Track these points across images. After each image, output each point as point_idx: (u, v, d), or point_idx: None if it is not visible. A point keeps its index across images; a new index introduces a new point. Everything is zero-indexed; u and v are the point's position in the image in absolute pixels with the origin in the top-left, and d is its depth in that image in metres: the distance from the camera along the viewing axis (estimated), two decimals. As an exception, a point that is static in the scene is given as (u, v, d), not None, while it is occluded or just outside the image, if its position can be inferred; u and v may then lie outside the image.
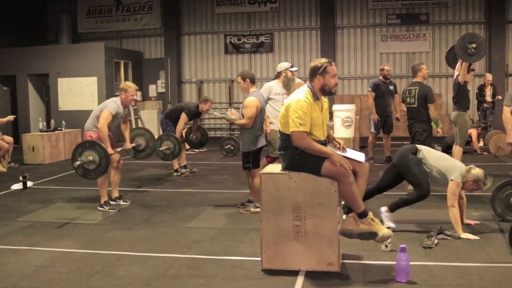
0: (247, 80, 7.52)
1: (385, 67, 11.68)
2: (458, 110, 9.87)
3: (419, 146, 6.57)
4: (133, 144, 8.79)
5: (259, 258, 5.14)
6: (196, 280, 4.91)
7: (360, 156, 5.09)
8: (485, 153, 12.99)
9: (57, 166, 12.53)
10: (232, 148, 13.51)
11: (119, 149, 8.11)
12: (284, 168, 5.07)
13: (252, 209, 7.50)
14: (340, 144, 5.21)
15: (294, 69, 8.28)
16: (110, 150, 7.55)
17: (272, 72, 9.35)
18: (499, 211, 6.64)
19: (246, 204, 7.80)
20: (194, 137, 11.15)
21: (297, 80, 8.32)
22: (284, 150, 5.08)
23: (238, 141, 13.38)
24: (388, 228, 5.22)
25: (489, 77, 14.46)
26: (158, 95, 20.23)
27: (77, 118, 16.34)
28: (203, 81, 19.99)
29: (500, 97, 14.89)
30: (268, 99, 8.14)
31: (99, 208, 7.90)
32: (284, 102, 8.03)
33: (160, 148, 9.89)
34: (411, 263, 4.76)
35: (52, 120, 14.66)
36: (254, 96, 7.44)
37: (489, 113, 14.65)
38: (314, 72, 5.05)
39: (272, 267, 5.04)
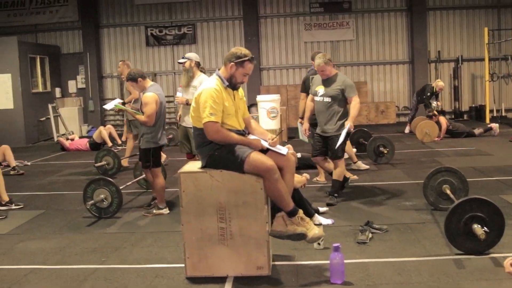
0: (139, 79, 6.85)
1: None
2: None
3: None
4: None
5: (184, 265, 4.72)
6: (113, 294, 4.45)
7: (283, 149, 4.71)
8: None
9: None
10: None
11: None
12: (203, 166, 4.66)
13: (154, 211, 7.07)
14: (272, 140, 4.75)
15: (181, 60, 7.69)
16: None
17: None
18: (431, 200, 6.46)
19: (152, 203, 7.35)
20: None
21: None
22: (201, 146, 4.68)
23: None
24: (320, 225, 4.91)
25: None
26: (78, 91, 19.27)
27: (-9, 118, 15.47)
28: (124, 75, 19.21)
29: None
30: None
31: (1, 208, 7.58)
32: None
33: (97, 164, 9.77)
34: (346, 261, 4.47)
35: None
36: (152, 91, 6.82)
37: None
38: (231, 58, 4.65)
39: (197, 274, 4.64)
